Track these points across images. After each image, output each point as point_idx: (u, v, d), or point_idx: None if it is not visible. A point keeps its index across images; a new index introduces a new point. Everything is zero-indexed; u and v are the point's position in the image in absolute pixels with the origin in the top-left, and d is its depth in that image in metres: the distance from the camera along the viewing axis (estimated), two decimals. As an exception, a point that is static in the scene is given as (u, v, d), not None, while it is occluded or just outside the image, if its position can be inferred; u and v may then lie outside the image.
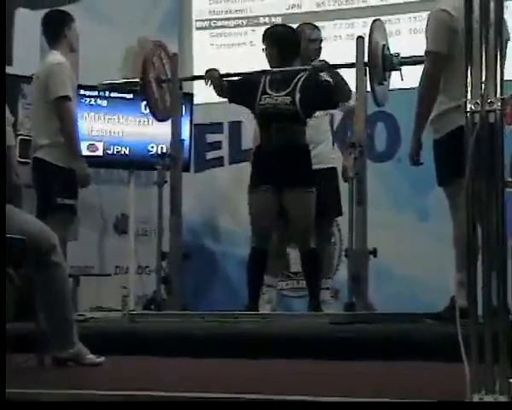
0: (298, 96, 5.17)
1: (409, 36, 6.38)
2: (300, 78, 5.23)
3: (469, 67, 2.56)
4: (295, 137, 5.17)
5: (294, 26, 5.69)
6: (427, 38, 4.47)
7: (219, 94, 5.40)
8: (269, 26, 5.61)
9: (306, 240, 5.23)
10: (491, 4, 2.53)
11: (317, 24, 6.00)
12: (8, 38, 6.25)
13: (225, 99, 5.48)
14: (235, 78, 5.46)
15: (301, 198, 5.15)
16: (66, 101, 5.12)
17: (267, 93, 5.23)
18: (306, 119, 5.22)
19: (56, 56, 5.21)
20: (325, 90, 5.17)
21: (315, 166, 5.34)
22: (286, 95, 5.19)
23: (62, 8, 5.83)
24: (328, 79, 5.22)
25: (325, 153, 5.62)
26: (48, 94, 5.11)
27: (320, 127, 5.60)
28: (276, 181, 5.12)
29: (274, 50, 5.26)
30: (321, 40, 5.71)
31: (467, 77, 2.56)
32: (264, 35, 5.38)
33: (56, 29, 5.25)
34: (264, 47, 5.33)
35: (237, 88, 5.34)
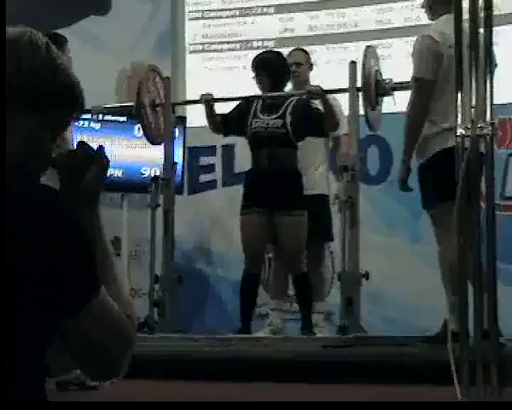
0: (289, 119, 5.19)
1: (401, 60, 6.41)
2: (291, 101, 5.27)
3: (460, 92, 2.59)
4: (286, 161, 5.19)
5: (287, 50, 5.74)
6: (413, 64, 4.52)
7: (212, 128, 5.44)
8: (257, 54, 5.62)
9: (298, 264, 5.23)
10: (481, 30, 2.56)
11: (308, 48, 6.04)
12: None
13: (219, 134, 5.55)
14: (227, 110, 5.47)
15: (292, 222, 5.16)
16: None
17: (258, 117, 5.26)
18: (297, 142, 5.24)
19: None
20: (315, 118, 5.18)
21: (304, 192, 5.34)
22: (277, 118, 5.21)
23: (56, 31, 5.85)
24: (319, 106, 5.22)
25: (314, 179, 5.53)
26: None
27: (309, 152, 5.53)
28: (268, 205, 5.14)
29: (264, 77, 5.29)
30: (296, 64, 5.65)
31: (457, 101, 2.59)
32: (253, 62, 5.41)
33: None
34: (254, 74, 5.36)
35: (230, 120, 5.37)
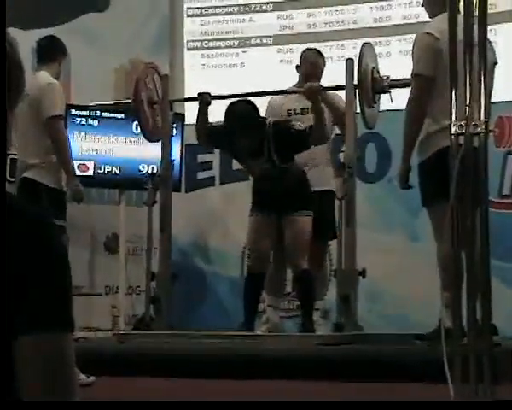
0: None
1: (400, 57, 6.41)
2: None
3: (454, 90, 2.58)
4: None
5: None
6: (413, 61, 4.51)
7: (198, 130, 5.46)
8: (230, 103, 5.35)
9: (301, 261, 5.23)
10: (475, 27, 2.56)
11: (307, 45, 6.03)
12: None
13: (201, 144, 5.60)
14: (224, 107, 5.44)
15: (299, 220, 5.18)
16: (58, 120, 5.13)
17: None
18: (283, 165, 5.24)
19: (47, 77, 5.22)
20: (296, 138, 5.16)
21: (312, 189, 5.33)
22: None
23: (54, 28, 5.85)
24: (299, 125, 5.18)
25: (322, 175, 5.48)
26: (40, 113, 5.10)
27: (317, 149, 5.50)
28: (275, 207, 5.17)
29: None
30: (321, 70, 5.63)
31: (451, 99, 2.58)
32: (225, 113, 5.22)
33: (54, 54, 5.27)
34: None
35: (219, 138, 5.38)
